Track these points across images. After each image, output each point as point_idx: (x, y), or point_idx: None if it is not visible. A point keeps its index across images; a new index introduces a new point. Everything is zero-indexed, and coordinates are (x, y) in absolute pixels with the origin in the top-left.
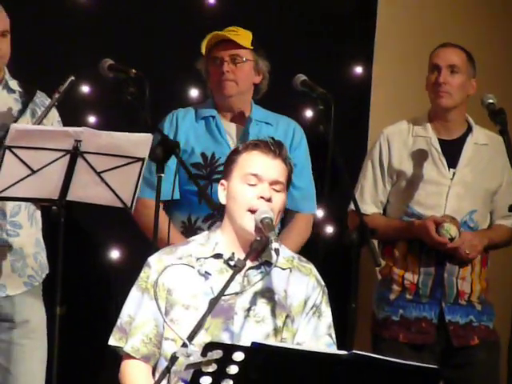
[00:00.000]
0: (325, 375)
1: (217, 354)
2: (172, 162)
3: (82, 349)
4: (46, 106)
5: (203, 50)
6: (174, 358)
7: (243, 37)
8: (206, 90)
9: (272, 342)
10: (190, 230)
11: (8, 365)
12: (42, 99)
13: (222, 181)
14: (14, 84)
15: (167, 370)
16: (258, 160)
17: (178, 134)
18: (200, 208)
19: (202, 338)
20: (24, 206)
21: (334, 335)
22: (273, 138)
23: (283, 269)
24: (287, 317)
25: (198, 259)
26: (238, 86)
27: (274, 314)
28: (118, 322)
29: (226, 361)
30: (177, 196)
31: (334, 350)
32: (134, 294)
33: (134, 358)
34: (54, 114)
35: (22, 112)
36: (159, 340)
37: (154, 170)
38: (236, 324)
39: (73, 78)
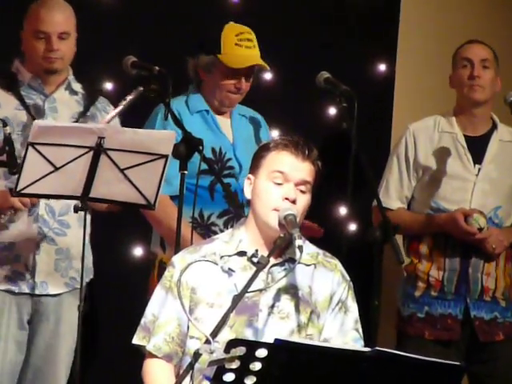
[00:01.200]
0: (348, 372)
1: (240, 350)
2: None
3: (105, 347)
4: (113, 113)
5: (229, 62)
6: (197, 355)
7: (257, 48)
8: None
9: (296, 338)
10: (202, 226)
11: (41, 364)
12: (103, 104)
13: (249, 175)
14: (77, 86)
15: (190, 366)
16: (287, 160)
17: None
18: (213, 204)
19: (227, 335)
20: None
21: (360, 330)
22: (303, 139)
23: (307, 265)
24: (312, 313)
25: (221, 257)
26: (240, 99)
27: (298, 310)
28: (142, 321)
29: (249, 357)
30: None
31: (360, 344)
32: (158, 293)
33: (156, 356)
34: (115, 121)
35: (82, 114)
36: (182, 339)
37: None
38: (260, 321)
39: (142, 88)
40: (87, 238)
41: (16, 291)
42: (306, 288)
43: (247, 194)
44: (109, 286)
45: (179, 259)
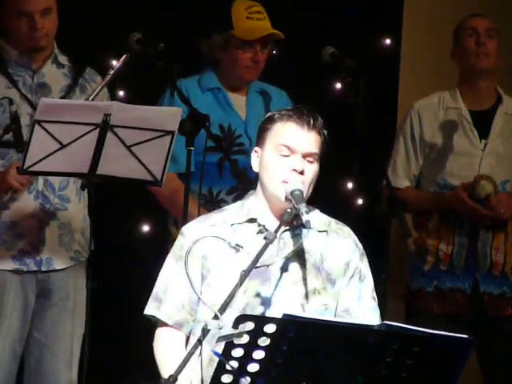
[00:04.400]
0: (357, 346)
1: (248, 326)
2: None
3: (115, 322)
4: (101, 84)
5: (243, 34)
6: (205, 331)
7: (268, 20)
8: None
9: (304, 313)
10: (212, 202)
11: (47, 341)
12: (91, 75)
13: (256, 148)
14: (63, 59)
15: (199, 342)
16: (292, 131)
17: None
18: (222, 180)
19: (240, 301)
20: (72, 180)
21: (376, 298)
22: (308, 109)
23: (319, 231)
24: (326, 279)
25: (232, 225)
26: (259, 73)
27: (310, 275)
28: (154, 292)
29: (257, 332)
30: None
31: (378, 313)
32: (169, 262)
33: (167, 325)
34: (104, 91)
35: (71, 87)
36: (193, 307)
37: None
38: (273, 286)
39: (127, 55)
40: (86, 209)
41: (24, 269)
42: (317, 255)
43: (255, 167)
44: (118, 262)
45: (189, 228)
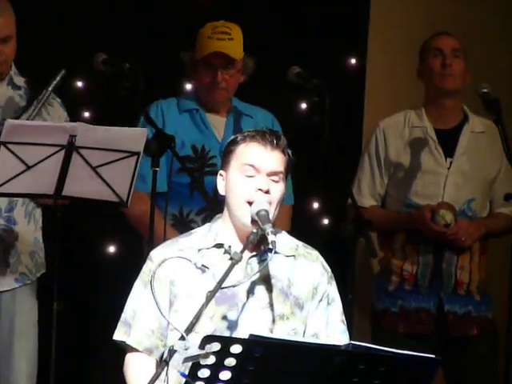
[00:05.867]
0: (324, 366)
1: (215, 346)
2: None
3: (80, 344)
4: (38, 100)
5: (198, 54)
6: (171, 351)
7: (237, 42)
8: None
9: (270, 333)
10: (182, 223)
11: (2, 360)
12: (49, 98)
13: (221, 171)
14: (19, 80)
15: (165, 363)
16: (256, 151)
17: (165, 126)
18: (192, 201)
19: (207, 326)
20: (21, 202)
21: (345, 321)
22: (270, 129)
23: (287, 256)
24: (294, 304)
25: (199, 250)
26: (228, 93)
27: (278, 300)
28: (123, 317)
29: (224, 353)
30: (163, 188)
31: (347, 336)
32: (137, 287)
33: (137, 350)
34: (61, 113)
35: (25, 109)
36: (162, 332)
37: (144, 162)
38: (240, 311)
39: (64, 71)
40: (39, 232)
41: None
42: (285, 280)
43: (221, 191)
44: (83, 284)
45: (157, 253)
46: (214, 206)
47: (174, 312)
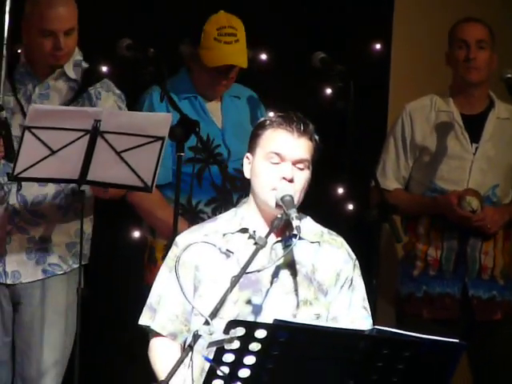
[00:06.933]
0: (348, 351)
1: (239, 331)
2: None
3: (107, 331)
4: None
5: (206, 61)
6: (196, 336)
7: (242, 44)
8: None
9: (294, 318)
10: (190, 213)
11: (25, 348)
12: (98, 89)
13: (248, 154)
14: (71, 73)
15: (190, 347)
16: (282, 138)
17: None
18: (201, 191)
19: (231, 311)
20: (52, 196)
21: (368, 308)
22: (298, 114)
23: (311, 242)
24: (318, 290)
25: (224, 235)
26: (228, 88)
27: (302, 285)
28: (148, 302)
29: (248, 338)
30: (167, 179)
31: (369, 322)
32: (163, 272)
33: (161, 335)
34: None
35: (72, 101)
36: (186, 317)
37: None
38: (264, 296)
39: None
40: (87, 225)
41: None
42: (309, 266)
43: (246, 174)
44: (109, 269)
45: (182, 238)
46: (224, 195)
47: (199, 297)
